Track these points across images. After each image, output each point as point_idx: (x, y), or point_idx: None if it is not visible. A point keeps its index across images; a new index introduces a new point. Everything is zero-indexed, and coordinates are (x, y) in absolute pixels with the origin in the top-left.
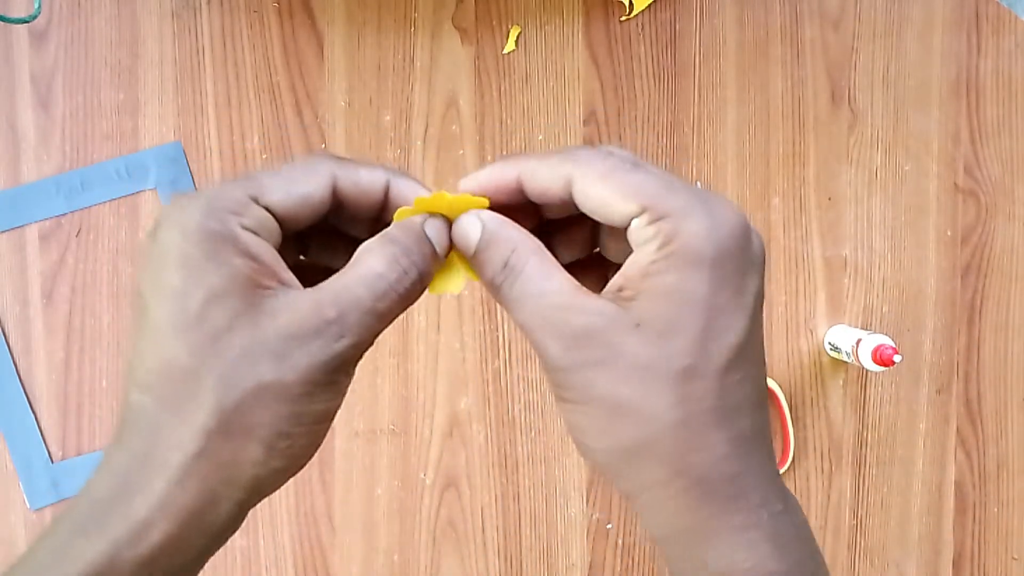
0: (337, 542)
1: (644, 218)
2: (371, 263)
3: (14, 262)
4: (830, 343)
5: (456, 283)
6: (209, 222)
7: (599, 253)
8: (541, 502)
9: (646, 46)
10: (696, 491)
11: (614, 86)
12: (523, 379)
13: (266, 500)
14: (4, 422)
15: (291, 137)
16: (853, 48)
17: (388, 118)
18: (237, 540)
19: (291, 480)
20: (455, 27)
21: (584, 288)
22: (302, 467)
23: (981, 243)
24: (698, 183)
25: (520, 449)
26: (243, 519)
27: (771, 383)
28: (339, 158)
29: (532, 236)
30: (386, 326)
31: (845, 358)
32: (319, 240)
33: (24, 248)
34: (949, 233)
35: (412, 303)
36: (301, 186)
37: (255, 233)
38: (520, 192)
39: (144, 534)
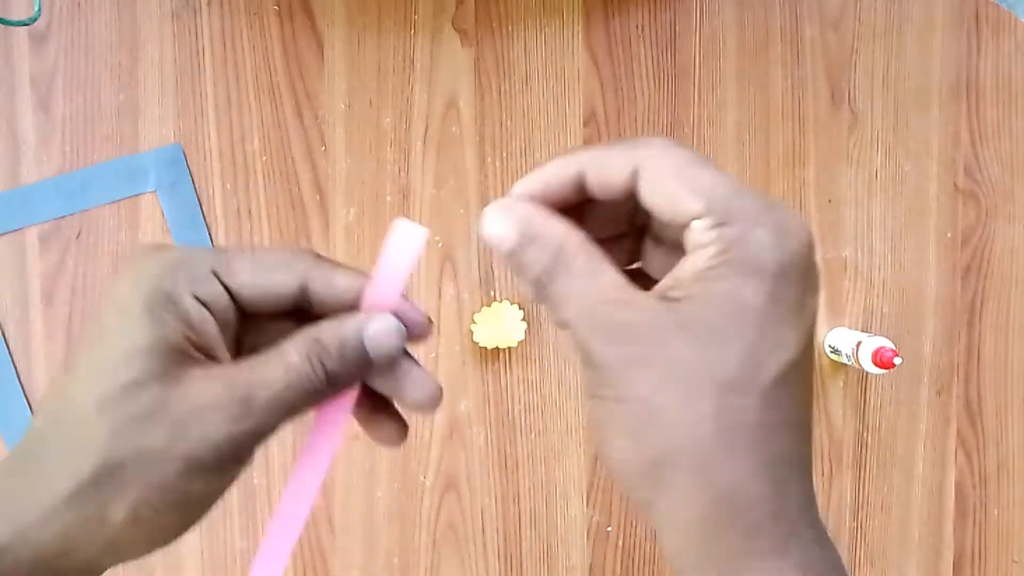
0: (337, 545)
1: (707, 220)
2: (291, 353)
3: (14, 264)
4: (830, 345)
5: (510, 340)
6: (162, 281)
7: (639, 270)
8: (541, 504)
9: (646, 47)
10: (721, 509)
11: (614, 87)
12: (523, 381)
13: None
14: (3, 424)
15: (291, 139)
16: (853, 49)
17: (388, 119)
18: (237, 543)
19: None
20: (455, 29)
21: (632, 283)
22: (166, 544)
23: (981, 244)
24: None
25: (520, 451)
26: None
27: None
28: (318, 257)
29: (577, 227)
30: (292, 418)
31: (845, 360)
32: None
33: (24, 250)
34: (949, 235)
35: (325, 399)
36: (268, 278)
37: (204, 305)
38: (578, 189)
39: None
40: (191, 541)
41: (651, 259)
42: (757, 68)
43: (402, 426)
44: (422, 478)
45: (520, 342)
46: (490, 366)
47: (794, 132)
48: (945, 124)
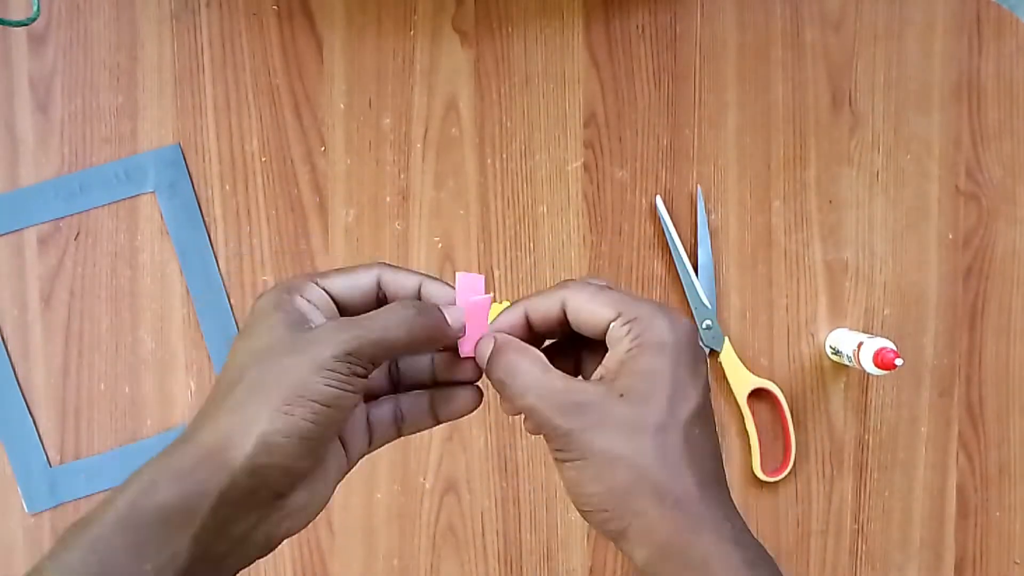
0: (336, 547)
1: (619, 321)
2: (392, 305)
3: (12, 266)
4: (831, 347)
5: None
6: (281, 293)
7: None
8: (541, 506)
9: (646, 48)
10: (676, 512)
11: (614, 88)
12: None
13: None
14: (2, 426)
15: (290, 140)
16: (854, 51)
17: (388, 121)
18: None
19: None
20: (455, 30)
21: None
22: (304, 439)
23: (983, 246)
24: (699, 187)
25: (520, 453)
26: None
27: (771, 386)
28: (390, 265)
29: (531, 347)
30: (392, 345)
31: (846, 362)
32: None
33: (22, 252)
34: (950, 236)
35: (410, 347)
36: (353, 279)
37: (308, 301)
38: (527, 326)
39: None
40: None
41: (586, 364)
42: (758, 70)
43: (477, 392)
44: (422, 480)
45: None
46: None
47: (795, 134)
48: (946, 126)
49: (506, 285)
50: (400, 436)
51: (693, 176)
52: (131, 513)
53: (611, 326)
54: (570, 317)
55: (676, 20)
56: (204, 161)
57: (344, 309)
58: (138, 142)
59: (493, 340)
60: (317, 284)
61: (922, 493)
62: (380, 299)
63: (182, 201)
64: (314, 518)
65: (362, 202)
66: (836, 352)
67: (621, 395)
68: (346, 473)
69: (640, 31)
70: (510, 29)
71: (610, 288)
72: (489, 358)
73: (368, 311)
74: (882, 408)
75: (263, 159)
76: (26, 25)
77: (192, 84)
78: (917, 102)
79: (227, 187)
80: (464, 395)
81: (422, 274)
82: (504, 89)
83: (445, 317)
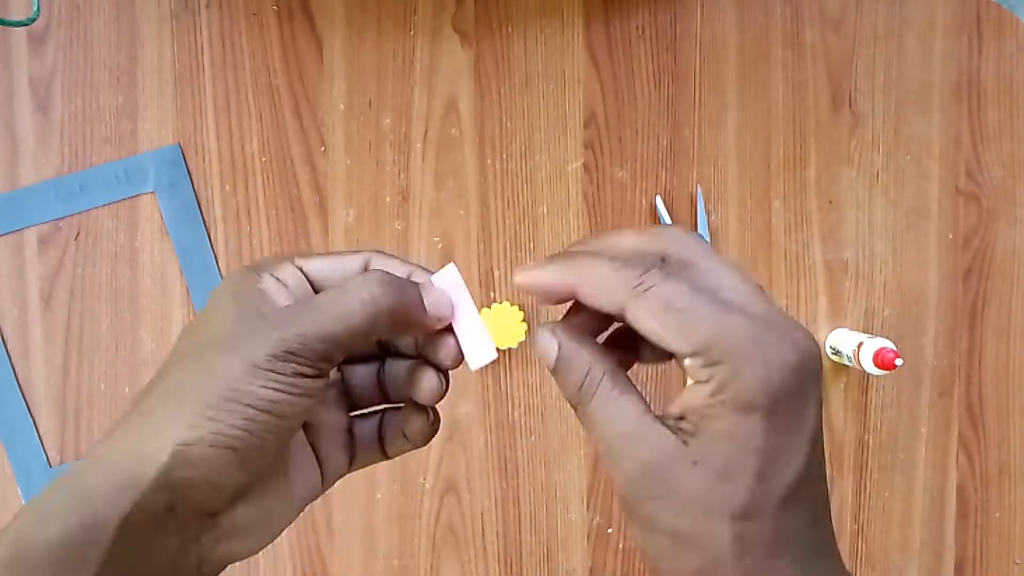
0: (336, 547)
1: (699, 359)
2: (352, 281)
3: (12, 266)
4: (831, 347)
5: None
6: (247, 272)
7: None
8: (541, 506)
9: (646, 48)
10: None
11: (614, 89)
12: (523, 383)
13: None
14: (2, 426)
15: (290, 140)
16: (854, 51)
17: (388, 121)
18: None
19: None
20: (455, 30)
21: (650, 412)
22: (232, 451)
23: (982, 246)
24: (699, 187)
25: (520, 453)
26: (176, 510)
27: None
28: (386, 253)
29: (606, 355)
30: (345, 337)
31: (846, 362)
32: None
33: (23, 252)
34: (950, 236)
35: (372, 334)
36: (340, 260)
37: (278, 280)
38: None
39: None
40: None
41: (645, 354)
42: (758, 70)
43: (433, 420)
44: (422, 480)
45: (521, 343)
46: (490, 368)
47: (795, 134)
48: (946, 126)
49: (506, 285)
50: (387, 458)
51: (693, 176)
52: (17, 552)
53: (687, 361)
54: (635, 328)
55: (676, 20)
56: (204, 161)
57: (317, 287)
58: (138, 142)
59: (556, 342)
60: (294, 264)
61: (922, 493)
62: None
63: (182, 201)
64: (271, 540)
65: (362, 202)
66: (836, 352)
67: (695, 462)
68: (319, 494)
69: (640, 31)
70: (510, 29)
71: (694, 290)
72: (555, 368)
73: None
74: (882, 408)
75: (263, 159)
76: (26, 25)
77: (192, 84)
78: (917, 102)
79: (227, 187)
80: (418, 422)
81: (415, 265)
82: (504, 89)
83: (421, 297)
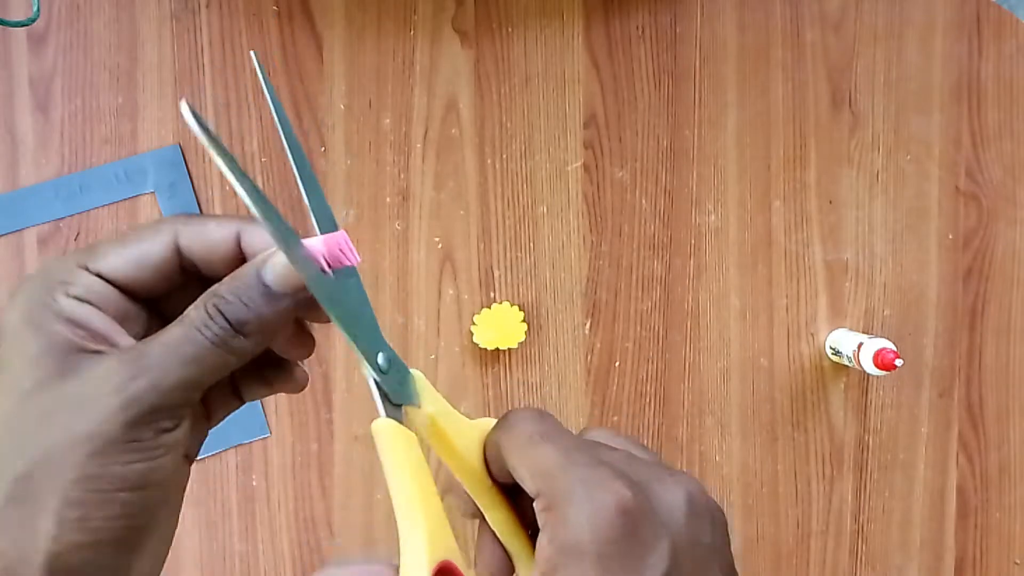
0: (336, 547)
1: (540, 503)
2: (190, 309)
3: (12, 266)
4: (831, 347)
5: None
6: (36, 295)
7: None
8: None
9: (646, 49)
10: None
11: (614, 89)
12: (523, 383)
13: (265, 505)
14: None
15: None
16: (854, 51)
17: (388, 121)
18: (236, 546)
19: (289, 484)
20: (455, 30)
21: None
22: (118, 540)
23: (983, 247)
24: (258, 64)
25: None
26: None
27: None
28: (188, 216)
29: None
30: (214, 373)
31: (846, 362)
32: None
33: (22, 252)
34: (951, 237)
35: (235, 355)
36: (136, 248)
37: (82, 300)
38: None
39: None
40: (190, 543)
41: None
42: (758, 70)
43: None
44: None
45: (521, 343)
46: (490, 368)
47: (795, 134)
48: (946, 126)
49: (506, 285)
50: (242, 404)
51: (693, 176)
52: None
53: (534, 503)
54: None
55: (676, 21)
56: (204, 161)
57: (128, 290)
58: (138, 142)
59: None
60: (88, 270)
61: (922, 493)
62: (188, 267)
63: (182, 202)
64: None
65: (362, 202)
66: (836, 352)
67: None
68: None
69: (640, 32)
70: (510, 29)
71: (545, 437)
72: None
73: (171, 292)
74: (882, 408)
75: (263, 159)
76: (26, 25)
77: (192, 84)
78: (917, 102)
79: (227, 187)
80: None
81: (235, 218)
82: (504, 89)
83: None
